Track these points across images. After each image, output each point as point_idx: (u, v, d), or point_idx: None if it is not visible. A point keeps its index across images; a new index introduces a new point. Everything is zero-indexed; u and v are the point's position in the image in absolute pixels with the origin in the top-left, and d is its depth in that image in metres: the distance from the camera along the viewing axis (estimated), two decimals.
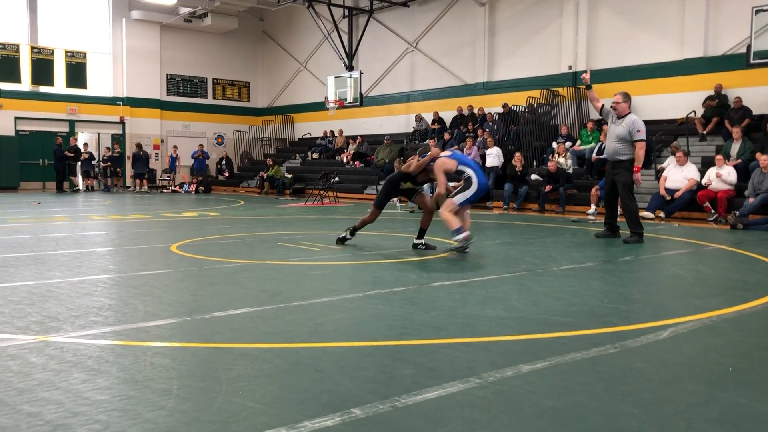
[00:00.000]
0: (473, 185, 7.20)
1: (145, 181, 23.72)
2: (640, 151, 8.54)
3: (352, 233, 8.04)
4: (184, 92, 27.32)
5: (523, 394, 2.89)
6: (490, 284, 5.59)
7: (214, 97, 28.18)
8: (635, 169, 8.53)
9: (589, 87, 9.06)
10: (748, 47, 12.81)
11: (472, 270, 6.34)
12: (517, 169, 15.31)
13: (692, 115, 15.34)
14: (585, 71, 9.50)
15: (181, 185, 24.39)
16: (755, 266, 6.76)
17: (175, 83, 27.03)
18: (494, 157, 16.46)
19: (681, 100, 15.78)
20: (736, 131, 13.01)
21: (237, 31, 27.36)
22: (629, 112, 8.79)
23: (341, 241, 8.08)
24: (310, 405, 2.75)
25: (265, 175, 22.56)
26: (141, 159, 23.69)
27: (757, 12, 12.59)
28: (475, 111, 19.70)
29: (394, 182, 7.88)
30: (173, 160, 25.19)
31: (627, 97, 8.87)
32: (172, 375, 3.16)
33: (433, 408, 2.73)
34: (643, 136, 8.57)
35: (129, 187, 24.56)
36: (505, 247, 8.31)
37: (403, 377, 3.09)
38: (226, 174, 25.86)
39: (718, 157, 12.46)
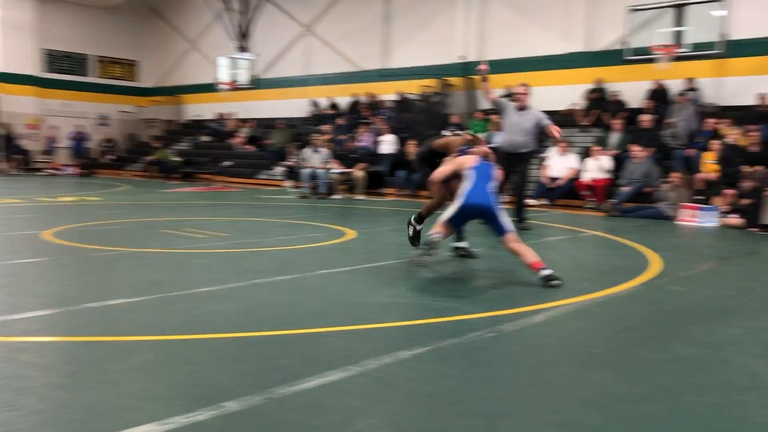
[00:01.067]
0: (459, 201, 5.55)
1: (14, 163, 22.11)
2: (554, 127, 8.73)
3: (420, 221, 6.43)
4: (64, 69, 25.68)
5: (401, 381, 2.92)
6: (375, 271, 5.61)
7: (98, 75, 26.70)
8: (557, 129, 8.67)
9: (485, 78, 8.95)
10: (624, 44, 13.54)
11: (362, 256, 6.35)
12: (411, 156, 15.48)
13: (574, 106, 16.08)
14: (479, 62, 9.65)
15: (59, 168, 22.97)
16: (626, 252, 7.18)
17: (53, 59, 25.35)
18: (389, 144, 16.58)
19: (563, 93, 16.46)
20: (616, 123, 13.72)
21: (122, 6, 25.96)
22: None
23: (415, 238, 6.34)
24: (181, 399, 2.65)
25: (152, 158, 21.66)
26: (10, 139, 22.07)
27: (631, 11, 13.32)
28: (371, 98, 19.75)
29: (426, 157, 6.76)
30: (51, 141, 23.68)
31: (529, 88, 9.04)
32: (35, 372, 2.96)
33: (311, 398, 2.70)
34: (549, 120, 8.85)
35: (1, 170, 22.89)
36: (396, 233, 8.38)
37: (282, 368, 3.04)
38: (111, 157, 24.60)
39: (595, 147, 13.10)
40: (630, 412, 2.64)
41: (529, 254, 5.21)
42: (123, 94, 27.17)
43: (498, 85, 17.54)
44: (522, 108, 8.80)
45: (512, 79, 17.29)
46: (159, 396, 2.70)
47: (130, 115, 26.64)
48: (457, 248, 6.32)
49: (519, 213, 8.78)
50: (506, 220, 5.34)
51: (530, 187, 13.67)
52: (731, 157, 10.09)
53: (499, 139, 8.98)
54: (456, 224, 5.61)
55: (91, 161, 23.33)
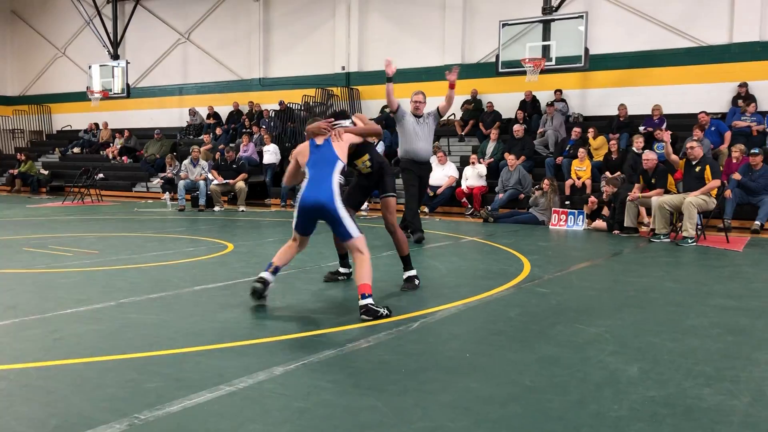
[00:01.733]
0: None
1: None
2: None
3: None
4: None
5: (274, 398, 2.87)
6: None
7: None
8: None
9: (391, 79, 8.07)
10: (497, 57, 14.12)
11: (241, 270, 6.22)
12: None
13: (452, 117, 16.58)
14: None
15: None
16: (500, 256, 7.46)
17: None
18: (271, 154, 16.38)
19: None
20: (493, 132, 14.26)
21: None
22: None
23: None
24: None
25: (17, 171, 20.22)
26: None
27: (503, 26, 13.91)
28: (252, 107, 19.45)
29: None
30: None
31: (425, 95, 8.93)
32: None
33: (177, 421, 2.60)
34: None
35: None
36: (278, 245, 8.26)
37: (147, 391, 2.91)
38: None
39: (473, 156, 13.58)
40: (495, 413, 2.73)
41: (365, 274, 4.45)
42: None
43: (378, 96, 17.84)
44: (420, 116, 8.64)
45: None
46: (10, 431, 2.50)
47: None
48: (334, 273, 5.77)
49: (414, 223, 8.65)
50: (350, 223, 4.59)
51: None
52: (636, 166, 10.48)
53: (400, 150, 8.76)
54: (301, 230, 4.77)
55: None
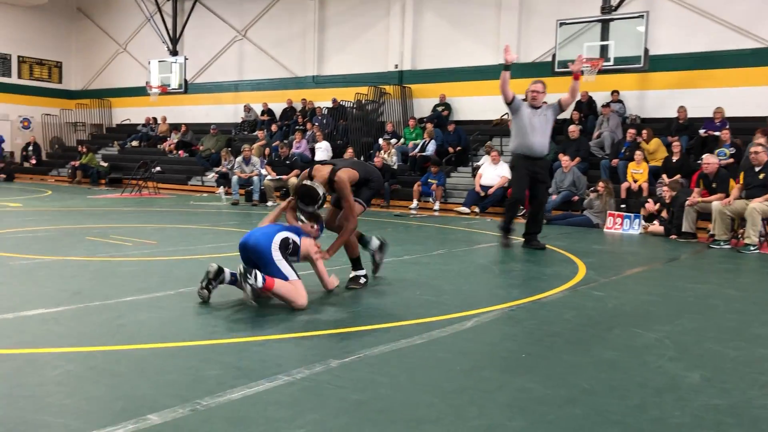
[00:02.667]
0: None
1: None
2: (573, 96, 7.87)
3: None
4: None
5: (330, 389, 2.90)
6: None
7: (20, 77, 25.62)
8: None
9: (508, 68, 7.64)
10: (553, 56, 13.95)
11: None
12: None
13: (505, 116, 16.42)
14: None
15: None
16: (554, 258, 7.37)
17: None
18: (323, 151, 16.54)
19: (496, 103, 16.71)
20: None
21: (47, 5, 25.04)
22: None
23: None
24: (101, 413, 2.55)
25: (78, 163, 20.92)
26: None
27: (561, 25, 13.74)
28: (305, 104, 19.66)
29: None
30: None
31: (545, 86, 8.05)
32: None
33: (237, 409, 2.65)
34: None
35: None
36: (327, 241, 8.34)
37: (207, 378, 2.98)
38: (33, 161, 23.61)
39: None
40: (552, 415, 2.70)
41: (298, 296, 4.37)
42: (47, 96, 26.20)
43: (431, 94, 17.82)
44: (537, 107, 7.89)
45: (446, 89, 17.61)
46: (77, 410, 2.59)
47: (54, 118, 25.66)
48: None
49: (536, 228, 8.07)
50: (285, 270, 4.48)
51: (456, 194, 13.95)
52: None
53: (512, 143, 8.12)
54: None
55: (11, 166, 22.32)
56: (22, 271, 5.53)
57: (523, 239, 8.11)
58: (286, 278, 4.44)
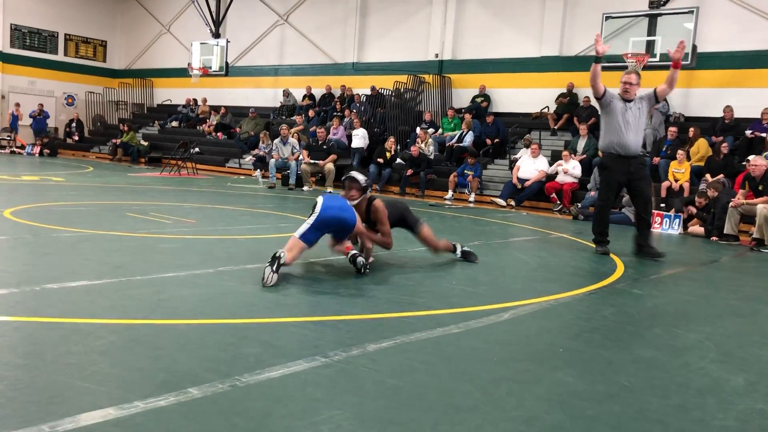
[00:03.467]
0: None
1: None
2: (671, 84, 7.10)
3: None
4: (31, 45, 25.07)
5: (367, 372, 2.91)
6: (343, 263, 5.59)
7: (66, 54, 26.11)
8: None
9: (599, 60, 6.99)
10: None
11: (325, 250, 6.31)
12: (388, 153, 15.43)
13: (546, 110, 16.24)
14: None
15: (22, 147, 22.40)
16: (591, 254, 7.27)
17: (20, 35, 24.73)
18: (360, 138, 16.55)
19: (536, 96, 16.64)
20: (582, 128, 13.92)
21: None
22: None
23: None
24: (143, 384, 2.60)
25: (119, 141, 21.28)
26: None
27: (606, 18, 13.49)
28: (344, 91, 19.69)
29: None
30: (15, 118, 23.07)
31: (639, 76, 7.18)
32: None
33: (276, 387, 2.67)
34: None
35: None
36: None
37: (246, 356, 3.01)
38: (76, 137, 24.10)
39: (565, 152, 13.27)
40: (591, 410, 2.67)
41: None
42: (91, 75, 26.67)
43: (471, 85, 17.68)
44: (630, 100, 7.08)
45: (486, 80, 17.46)
46: (120, 380, 2.64)
47: (97, 95, 26.12)
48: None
49: (645, 236, 7.18)
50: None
51: (493, 186, 13.84)
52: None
53: (602, 142, 7.36)
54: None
55: (54, 141, 22.80)
56: (66, 244, 5.65)
57: (636, 246, 7.24)
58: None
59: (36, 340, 3.10)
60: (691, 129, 12.66)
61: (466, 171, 14.08)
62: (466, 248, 6.18)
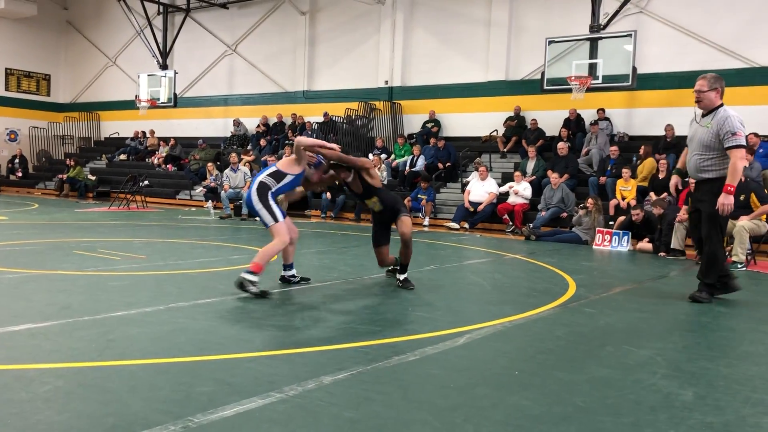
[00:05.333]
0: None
1: None
2: (737, 162, 5.60)
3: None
4: None
5: (324, 407, 2.88)
6: (299, 294, 5.55)
7: (7, 89, 25.49)
8: (727, 188, 5.55)
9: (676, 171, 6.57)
10: (542, 74, 14.05)
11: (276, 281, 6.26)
12: (338, 181, 15.39)
13: (494, 133, 16.53)
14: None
15: None
16: (544, 274, 7.38)
17: None
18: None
19: (485, 119, 16.93)
20: (531, 150, 14.21)
21: (36, 18, 24.99)
22: (720, 104, 5.84)
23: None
24: (91, 431, 2.51)
25: (65, 176, 20.78)
26: None
27: (550, 43, 13.85)
28: (295, 119, 19.67)
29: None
30: None
31: (716, 81, 5.88)
32: None
33: (230, 426, 2.62)
34: (739, 140, 5.61)
35: None
36: (319, 255, 8.34)
37: (199, 395, 2.94)
38: (20, 174, 23.45)
39: (517, 173, 13.50)
40: None
41: (262, 255, 5.35)
42: (35, 109, 26.09)
43: (421, 110, 17.90)
44: (705, 113, 5.89)
45: (435, 105, 17.71)
46: (67, 428, 2.55)
47: (42, 130, 25.51)
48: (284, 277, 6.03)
49: (706, 270, 5.98)
50: (266, 214, 5.46)
51: (446, 209, 13.98)
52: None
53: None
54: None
55: None
56: (9, 285, 5.46)
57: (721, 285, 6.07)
58: (266, 225, 5.49)
59: None
60: (642, 147, 13.00)
61: (419, 195, 14.17)
62: (405, 277, 6.15)
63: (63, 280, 5.85)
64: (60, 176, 21.13)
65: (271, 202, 5.49)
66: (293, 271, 6.02)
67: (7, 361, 3.37)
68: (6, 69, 25.34)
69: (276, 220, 5.46)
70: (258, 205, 5.48)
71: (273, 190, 5.55)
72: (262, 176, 5.62)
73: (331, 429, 2.63)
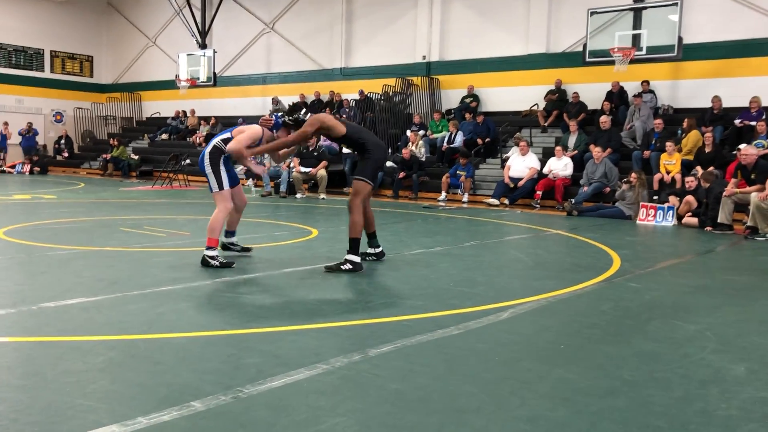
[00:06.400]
0: None
1: None
2: None
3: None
4: (17, 64, 24.97)
5: (369, 378, 2.90)
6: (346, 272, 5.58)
7: (52, 71, 26.01)
8: None
9: None
10: (584, 46, 13.75)
11: (326, 255, 6.31)
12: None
13: (535, 107, 16.27)
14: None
15: (13, 165, 22.29)
16: (587, 250, 7.29)
17: (6, 53, 24.62)
18: None
19: (525, 94, 16.67)
20: (572, 124, 13.96)
21: (78, 0, 25.38)
22: None
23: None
24: (145, 399, 2.58)
25: (109, 156, 21.20)
26: None
27: (592, 14, 13.53)
28: (333, 96, 19.67)
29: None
30: (3, 137, 22.96)
31: None
32: None
33: (278, 396, 2.66)
34: None
35: None
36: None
37: (248, 366, 3.00)
38: (66, 154, 24.01)
39: (558, 148, 13.30)
40: (595, 406, 2.67)
41: (212, 227, 5.44)
42: (79, 90, 26.57)
43: (459, 85, 17.72)
44: None
45: (474, 80, 17.49)
46: (122, 396, 2.63)
47: (86, 111, 26.03)
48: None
49: None
50: (212, 179, 5.55)
51: (485, 186, 13.85)
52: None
53: None
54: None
55: (44, 159, 22.71)
56: (61, 261, 5.62)
57: None
58: (211, 190, 5.59)
59: (35, 359, 3.08)
60: (686, 120, 12.66)
61: (458, 171, 14.08)
62: (375, 252, 5.98)
63: (111, 256, 5.99)
64: (104, 156, 21.55)
65: (222, 168, 5.59)
66: (234, 239, 6.15)
67: (63, 333, 3.47)
68: (51, 51, 25.83)
69: (221, 187, 5.56)
70: (208, 169, 5.59)
71: (226, 154, 5.64)
72: (217, 140, 5.71)
73: (377, 400, 2.66)
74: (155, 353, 3.18)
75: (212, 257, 5.39)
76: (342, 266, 5.39)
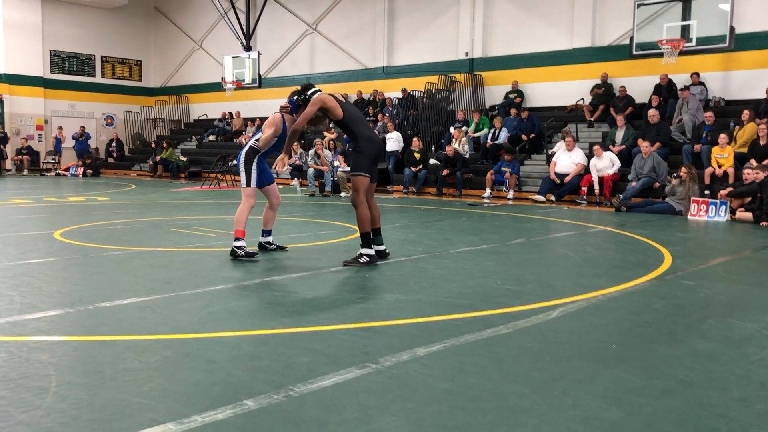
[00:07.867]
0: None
1: (26, 162, 22.28)
2: None
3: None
4: (70, 70, 25.74)
5: (419, 378, 2.91)
6: (388, 268, 5.60)
7: (103, 76, 26.74)
8: None
9: None
10: (631, 39, 13.47)
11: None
12: (415, 154, 15.43)
13: (581, 102, 16.02)
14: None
15: (68, 168, 23.00)
16: (637, 247, 7.15)
17: (59, 60, 25.41)
18: (394, 141, 16.55)
19: (570, 88, 16.43)
20: (620, 119, 13.69)
21: (127, 6, 26.04)
22: None
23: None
24: (200, 398, 2.64)
25: (159, 157, 21.69)
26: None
27: (639, 6, 13.25)
28: (375, 95, 19.72)
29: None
30: (58, 141, 23.72)
31: None
32: (51, 371, 2.96)
33: (329, 395, 2.69)
34: None
35: (9, 169, 22.94)
36: (403, 230, 8.38)
37: (299, 365, 3.03)
38: (116, 156, 24.66)
39: (596, 147, 12.95)
40: (650, 406, 2.62)
41: (239, 220, 5.89)
42: (129, 94, 27.24)
43: (503, 81, 17.56)
44: None
45: (518, 75, 17.32)
46: (177, 395, 2.69)
47: (135, 114, 26.67)
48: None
49: None
50: (243, 177, 5.99)
51: (530, 182, 13.69)
52: None
53: None
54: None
55: (96, 161, 23.36)
56: (115, 262, 5.78)
57: None
58: (241, 185, 6.01)
59: (94, 358, 3.17)
60: (745, 111, 12.26)
61: (503, 168, 13.97)
62: (378, 249, 5.87)
63: (163, 256, 6.13)
64: (154, 158, 22.06)
65: (254, 167, 5.96)
66: (270, 238, 6.39)
67: (120, 332, 3.57)
68: (102, 57, 26.55)
69: (249, 184, 5.97)
70: (241, 166, 6.01)
71: (261, 153, 6.03)
72: (252, 141, 6.08)
73: (427, 400, 2.66)
74: (208, 352, 3.24)
75: (238, 247, 5.79)
76: (359, 260, 5.60)
